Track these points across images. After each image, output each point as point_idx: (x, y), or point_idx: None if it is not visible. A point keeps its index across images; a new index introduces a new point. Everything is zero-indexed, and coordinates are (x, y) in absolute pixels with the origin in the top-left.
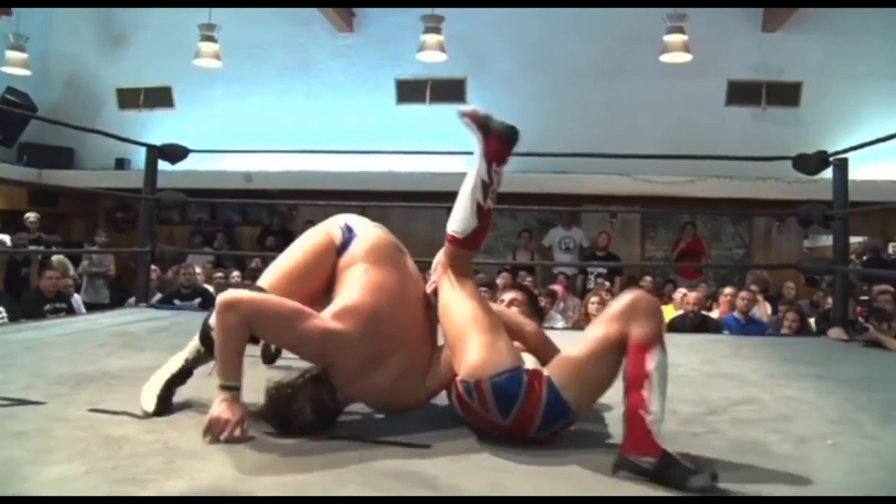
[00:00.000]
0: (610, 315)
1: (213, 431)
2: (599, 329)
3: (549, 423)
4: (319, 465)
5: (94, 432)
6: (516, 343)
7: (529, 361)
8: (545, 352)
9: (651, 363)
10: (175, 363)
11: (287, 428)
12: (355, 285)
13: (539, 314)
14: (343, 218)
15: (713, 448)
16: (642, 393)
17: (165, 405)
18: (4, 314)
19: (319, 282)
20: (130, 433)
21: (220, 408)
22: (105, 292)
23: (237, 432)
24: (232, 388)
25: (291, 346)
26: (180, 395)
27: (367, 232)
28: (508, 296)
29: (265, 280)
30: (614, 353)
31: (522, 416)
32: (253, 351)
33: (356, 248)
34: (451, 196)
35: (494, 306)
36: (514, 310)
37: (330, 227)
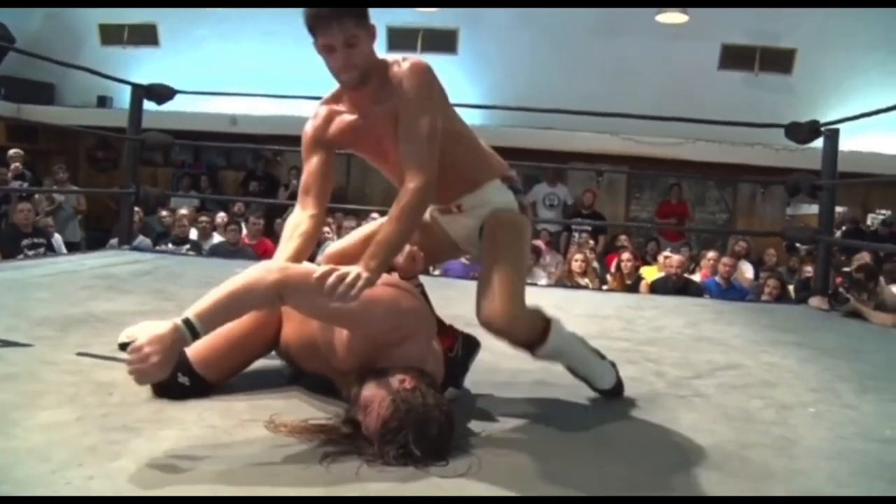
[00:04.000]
0: None
1: (131, 358)
2: None
3: None
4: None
5: (84, 377)
6: None
7: None
8: None
9: None
10: None
11: (424, 438)
12: None
13: None
14: None
15: (700, 411)
16: None
17: None
18: None
19: None
20: (119, 379)
21: (154, 335)
22: (78, 231)
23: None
24: (195, 331)
25: (352, 321)
26: None
27: None
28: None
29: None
30: None
31: None
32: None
33: None
34: None
35: None
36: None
37: None
